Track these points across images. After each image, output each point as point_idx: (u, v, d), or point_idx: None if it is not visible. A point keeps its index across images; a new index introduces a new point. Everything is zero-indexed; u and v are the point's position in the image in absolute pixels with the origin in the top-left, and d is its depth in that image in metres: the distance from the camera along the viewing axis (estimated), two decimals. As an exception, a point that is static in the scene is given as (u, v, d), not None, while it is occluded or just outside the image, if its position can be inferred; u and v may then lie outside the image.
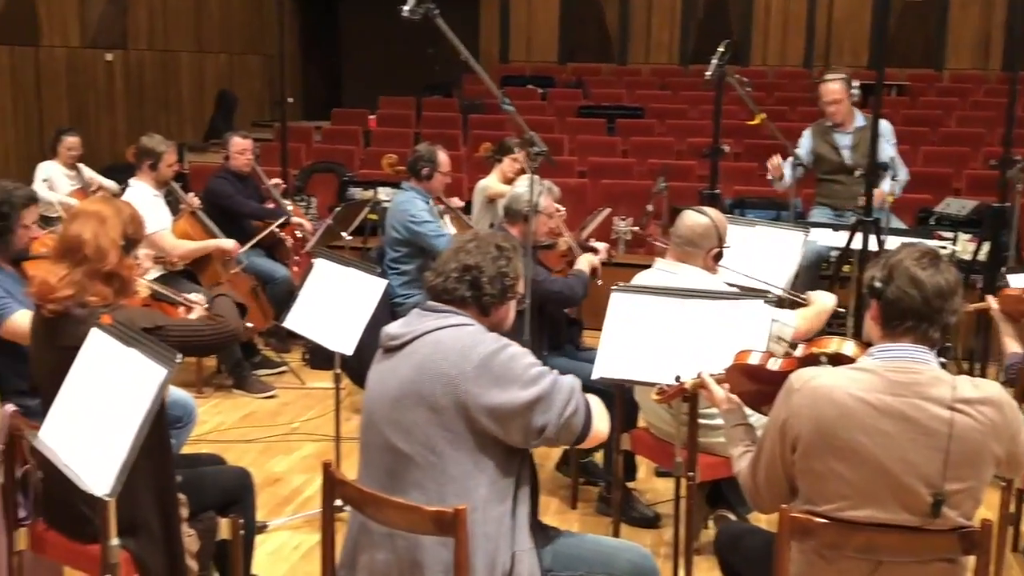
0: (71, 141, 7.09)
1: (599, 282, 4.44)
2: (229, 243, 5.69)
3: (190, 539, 2.72)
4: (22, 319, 3.30)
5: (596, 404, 2.45)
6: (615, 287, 3.30)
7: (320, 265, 4.00)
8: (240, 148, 6.14)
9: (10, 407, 2.73)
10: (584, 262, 4.47)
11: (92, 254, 2.77)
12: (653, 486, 4.40)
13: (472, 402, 2.30)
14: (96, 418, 2.35)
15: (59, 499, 2.69)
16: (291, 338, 6.23)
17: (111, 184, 7.20)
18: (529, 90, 11.90)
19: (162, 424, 2.63)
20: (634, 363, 3.16)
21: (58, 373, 2.51)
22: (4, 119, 9.22)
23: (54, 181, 6.96)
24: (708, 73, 5.09)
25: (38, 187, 6.77)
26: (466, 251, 2.48)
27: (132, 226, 2.87)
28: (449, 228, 5.58)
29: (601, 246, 4.71)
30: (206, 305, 3.33)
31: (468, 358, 2.32)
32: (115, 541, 2.33)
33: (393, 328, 2.47)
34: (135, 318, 2.70)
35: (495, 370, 2.31)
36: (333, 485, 2.37)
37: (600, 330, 3.24)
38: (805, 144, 6.17)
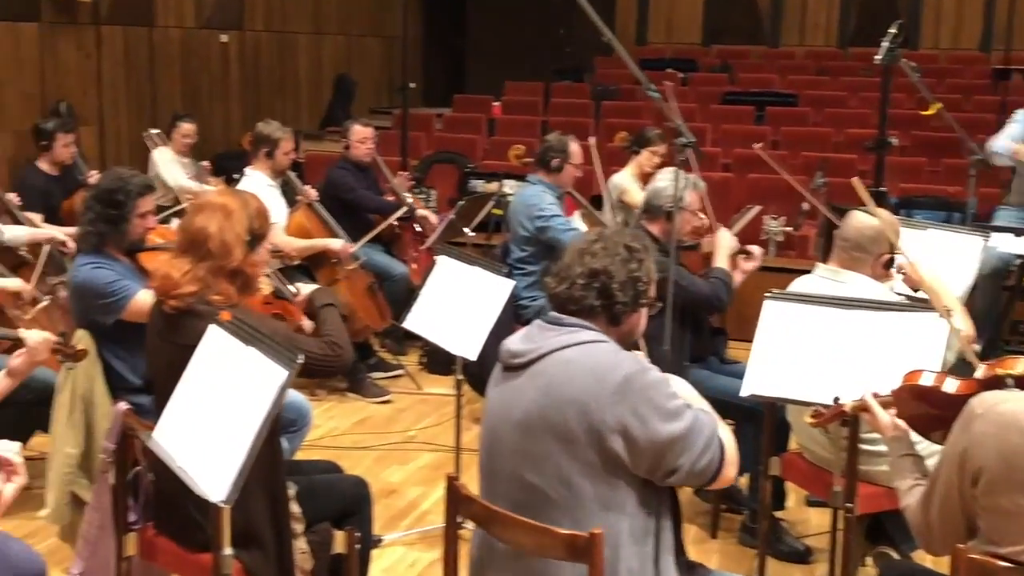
0: (186, 128, 7.35)
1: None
2: (337, 243, 5.77)
3: (303, 556, 2.78)
4: (145, 298, 3.42)
5: (729, 444, 2.38)
6: (768, 294, 3.22)
7: (443, 263, 4.03)
8: (361, 137, 6.25)
9: (123, 405, 2.83)
10: (723, 257, 4.25)
11: (217, 250, 2.85)
12: (804, 517, 4.29)
13: (607, 431, 2.25)
14: (212, 419, 2.42)
15: (170, 503, 2.78)
16: (408, 339, 6.32)
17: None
18: (669, 75, 11.79)
19: (274, 428, 2.69)
20: (788, 380, 3.09)
21: (175, 371, 2.60)
22: (117, 102, 9.63)
23: (168, 170, 7.22)
24: (878, 57, 4.94)
25: (167, 173, 7.04)
26: (591, 253, 2.42)
27: (258, 220, 2.95)
28: (580, 226, 5.54)
29: (756, 250, 4.43)
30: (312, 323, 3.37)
31: (604, 383, 2.26)
32: (228, 551, 2.39)
33: (514, 344, 2.42)
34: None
35: (634, 398, 2.25)
36: (457, 500, 2.38)
37: (746, 341, 3.17)
38: (1018, 130, 5.85)
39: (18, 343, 3.18)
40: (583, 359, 2.31)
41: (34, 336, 3.03)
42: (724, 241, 4.26)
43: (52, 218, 5.88)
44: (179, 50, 10.39)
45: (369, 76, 13.14)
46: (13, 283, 4.01)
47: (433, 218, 6.43)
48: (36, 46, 8.74)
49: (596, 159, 6.17)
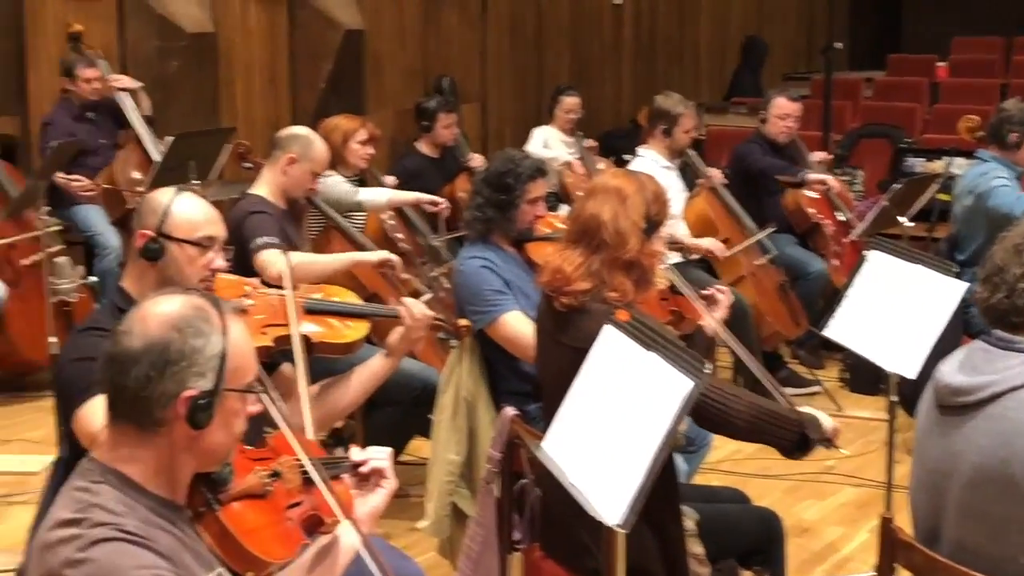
0: (570, 102, 7.63)
1: None
2: (708, 243, 5.64)
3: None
4: (514, 322, 3.63)
5: None
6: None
7: (874, 259, 3.92)
8: (783, 112, 6.22)
9: (510, 410, 3.00)
10: None
11: (611, 239, 2.95)
12: None
13: None
14: (607, 432, 2.51)
15: (559, 523, 2.91)
16: (826, 350, 6.21)
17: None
18: None
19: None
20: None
21: (566, 375, 2.71)
22: (501, 77, 10.19)
23: (549, 150, 7.54)
24: None
25: (546, 154, 7.38)
26: None
27: (656, 205, 3.02)
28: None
29: None
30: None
31: None
32: (623, 580, 2.46)
33: (954, 376, 2.29)
34: None
35: None
36: (894, 547, 2.32)
37: None
38: None
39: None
40: None
41: (411, 306, 3.11)
42: None
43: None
44: (568, 16, 10.80)
45: (783, 38, 13.01)
46: (378, 254, 4.32)
47: (848, 198, 6.27)
48: (420, 18, 9.44)
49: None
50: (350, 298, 3.17)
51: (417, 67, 9.40)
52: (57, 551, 1.78)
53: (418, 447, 4.48)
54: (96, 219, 6.30)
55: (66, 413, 2.62)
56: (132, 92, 6.62)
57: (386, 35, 9.18)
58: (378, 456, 2.39)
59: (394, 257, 4.27)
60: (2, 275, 5.66)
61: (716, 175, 6.03)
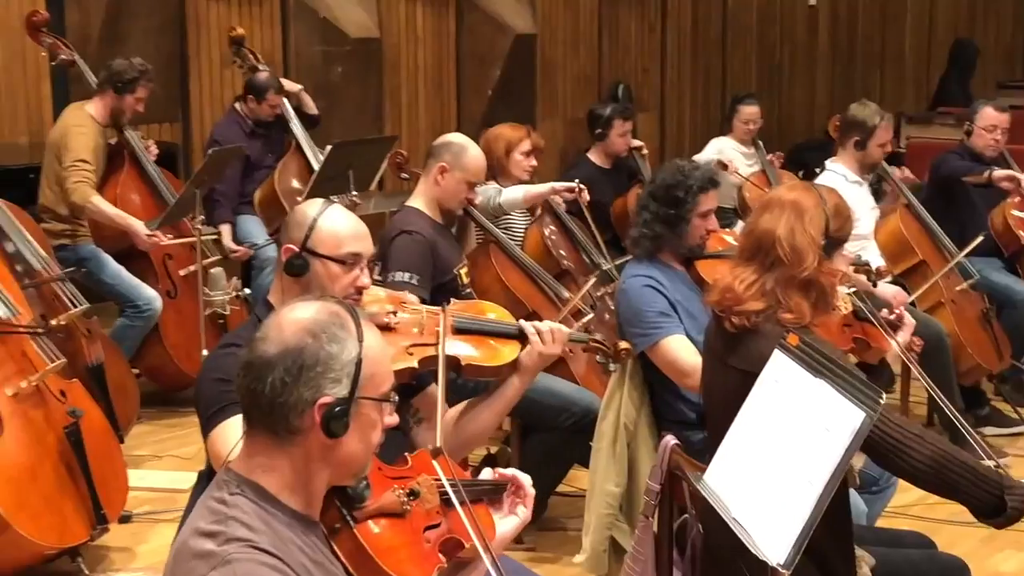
0: (749, 111, 7.56)
1: None
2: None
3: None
4: (676, 346, 3.62)
5: None
6: None
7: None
8: (990, 123, 6.03)
9: (671, 439, 2.99)
10: None
11: (787, 256, 2.92)
12: None
13: None
14: (773, 464, 2.48)
15: (722, 563, 2.88)
16: (1033, 387, 6.01)
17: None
18: None
19: (844, 484, 2.69)
20: None
21: (733, 401, 2.70)
22: (681, 83, 10.16)
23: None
24: None
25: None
26: None
27: (837, 220, 2.99)
28: None
29: None
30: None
31: None
32: (786, 627, 2.43)
33: None
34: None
35: None
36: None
37: None
38: None
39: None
40: None
41: (540, 325, 3.05)
42: None
43: (600, 218, 6.32)
44: (756, 18, 10.70)
45: (996, 40, 12.63)
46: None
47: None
48: (595, 21, 9.49)
49: None
50: (504, 316, 3.17)
51: (590, 73, 9.46)
52: (192, 568, 1.86)
53: (577, 477, 4.49)
54: (255, 231, 6.50)
55: (203, 430, 2.72)
56: (292, 95, 6.79)
57: (559, 39, 9.26)
58: (516, 481, 2.42)
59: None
60: (159, 285, 5.88)
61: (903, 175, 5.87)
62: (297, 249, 2.80)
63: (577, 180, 5.46)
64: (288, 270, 2.81)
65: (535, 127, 6.18)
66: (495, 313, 3.15)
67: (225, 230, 6.38)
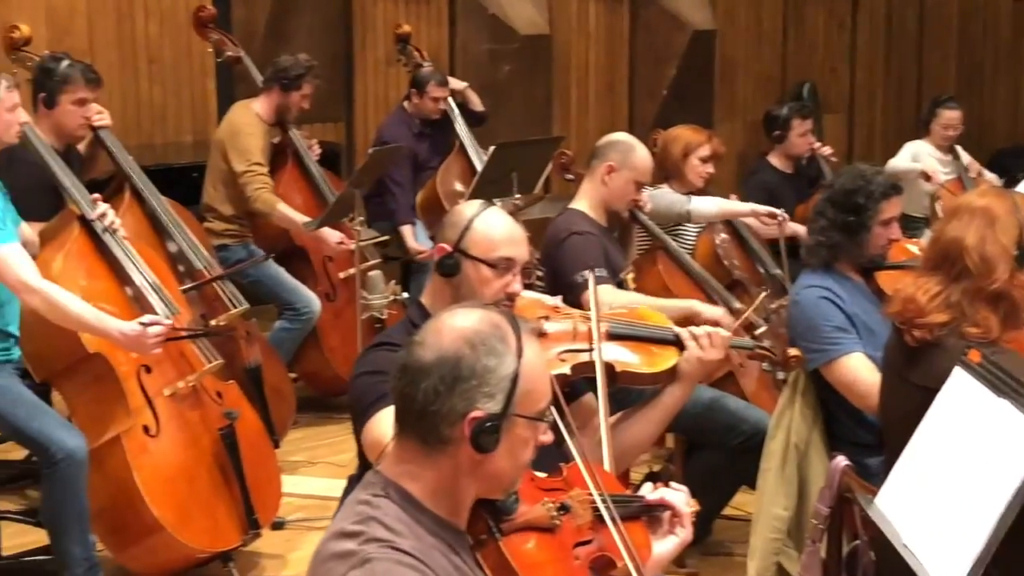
0: (950, 116, 7.39)
1: None
2: None
3: None
4: (855, 365, 3.56)
5: None
6: None
7: None
8: None
9: (842, 460, 2.97)
10: None
11: (975, 266, 2.90)
12: None
13: None
14: (949, 487, 2.46)
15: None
16: None
17: (992, 175, 7.36)
18: None
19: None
20: None
21: (912, 419, 2.67)
22: (872, 84, 9.99)
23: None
24: None
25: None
26: None
27: (1032, 229, 2.94)
28: None
29: None
30: None
31: None
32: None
33: None
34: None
35: None
36: None
37: None
38: None
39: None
40: None
41: (698, 330, 3.04)
42: None
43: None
44: (957, 13, 10.47)
45: None
46: (713, 311, 4.34)
47: None
48: (780, 18, 9.41)
49: None
50: (661, 320, 3.16)
51: (774, 73, 9.38)
52: (331, 568, 1.93)
53: (745, 501, 4.48)
54: (417, 234, 6.62)
55: (356, 428, 2.81)
56: (457, 93, 6.90)
57: (740, 37, 9.21)
58: (674, 498, 2.44)
59: (726, 320, 4.22)
60: (319, 288, 6.03)
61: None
62: (450, 249, 2.86)
63: (783, 213, 5.40)
64: (439, 270, 2.88)
65: (712, 130, 6.15)
66: (652, 318, 3.16)
67: (407, 231, 6.53)
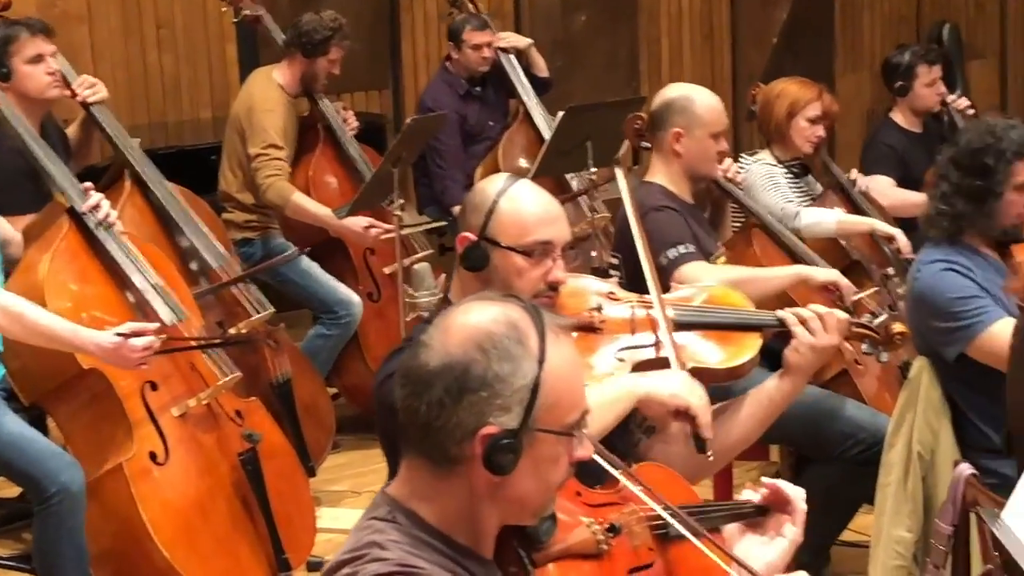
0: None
1: None
2: None
3: None
4: (1007, 328, 3.51)
5: None
6: None
7: None
8: None
9: (966, 468, 2.95)
10: None
11: None
12: None
13: None
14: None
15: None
16: None
17: None
18: None
19: None
20: None
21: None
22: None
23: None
24: None
25: None
26: None
27: None
28: None
29: None
30: None
31: None
32: None
33: None
34: None
35: None
36: None
37: None
38: None
39: None
40: None
41: (815, 311, 3.05)
42: None
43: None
44: None
45: None
46: (826, 273, 4.31)
47: None
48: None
49: None
50: (739, 302, 3.14)
51: (906, 12, 9.29)
52: None
53: (867, 524, 4.45)
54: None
55: (384, 444, 2.84)
56: (520, 53, 6.85)
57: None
58: (792, 491, 2.47)
59: (843, 281, 4.23)
60: (360, 286, 5.98)
61: None
62: (475, 238, 2.81)
63: (900, 236, 5.23)
64: (464, 263, 2.84)
65: (833, 84, 6.07)
66: (729, 299, 3.14)
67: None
